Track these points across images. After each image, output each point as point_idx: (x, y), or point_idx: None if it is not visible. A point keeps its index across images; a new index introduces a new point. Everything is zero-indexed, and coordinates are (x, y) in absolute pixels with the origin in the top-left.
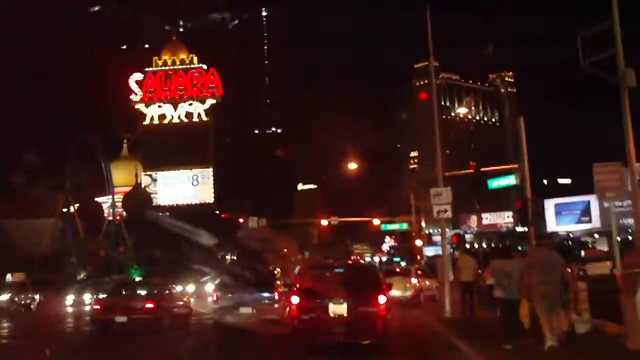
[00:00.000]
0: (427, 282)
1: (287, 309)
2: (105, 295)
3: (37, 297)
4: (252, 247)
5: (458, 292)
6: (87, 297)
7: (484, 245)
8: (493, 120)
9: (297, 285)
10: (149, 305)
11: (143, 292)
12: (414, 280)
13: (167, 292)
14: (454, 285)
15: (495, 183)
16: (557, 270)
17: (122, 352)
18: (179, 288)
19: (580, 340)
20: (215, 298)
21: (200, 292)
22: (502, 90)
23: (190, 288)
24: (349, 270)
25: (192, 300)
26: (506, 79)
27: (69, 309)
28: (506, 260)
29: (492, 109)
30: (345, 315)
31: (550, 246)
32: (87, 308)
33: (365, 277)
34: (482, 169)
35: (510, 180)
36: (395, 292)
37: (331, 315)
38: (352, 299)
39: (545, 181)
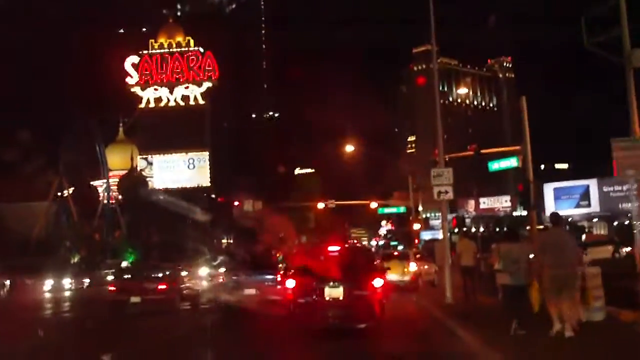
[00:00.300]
0: (426, 267)
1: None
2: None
3: (7, 282)
4: (248, 227)
5: (458, 276)
6: (67, 282)
7: (481, 229)
8: (491, 105)
9: (293, 268)
10: (162, 287)
11: (156, 274)
12: (412, 265)
13: (177, 274)
14: (454, 270)
15: (495, 165)
16: (571, 253)
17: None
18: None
19: (594, 328)
20: (222, 279)
21: (197, 273)
22: (500, 75)
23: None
24: (344, 253)
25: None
26: (505, 64)
27: (46, 295)
28: (513, 244)
29: (490, 94)
30: (341, 298)
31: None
32: (67, 294)
33: (361, 260)
34: (483, 151)
35: (512, 163)
36: (392, 277)
37: (327, 298)
38: (347, 282)
39: (542, 166)
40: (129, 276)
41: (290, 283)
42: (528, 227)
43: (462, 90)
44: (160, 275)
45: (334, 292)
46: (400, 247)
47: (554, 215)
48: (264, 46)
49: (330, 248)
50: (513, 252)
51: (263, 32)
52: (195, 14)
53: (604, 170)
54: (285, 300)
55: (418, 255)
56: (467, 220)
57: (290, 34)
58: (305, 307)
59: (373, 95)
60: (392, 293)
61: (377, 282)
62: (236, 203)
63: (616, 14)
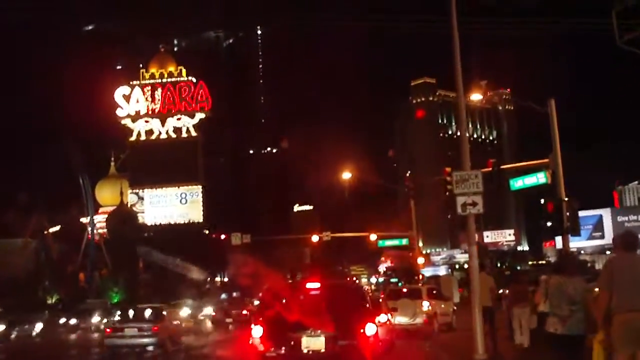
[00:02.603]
0: (442, 306)
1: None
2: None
3: None
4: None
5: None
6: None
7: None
8: (491, 138)
9: (261, 312)
10: (155, 329)
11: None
12: (425, 304)
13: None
14: (467, 310)
15: (519, 183)
16: None
17: None
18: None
19: None
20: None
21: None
22: (500, 107)
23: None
24: (328, 291)
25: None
26: (504, 96)
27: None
28: (567, 277)
29: (489, 127)
30: (322, 351)
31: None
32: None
33: (350, 300)
34: (503, 167)
35: (539, 179)
36: (401, 319)
37: (304, 351)
38: (331, 329)
39: (542, 200)
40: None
41: (257, 331)
42: (531, 262)
43: (477, 96)
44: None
45: (313, 342)
46: (400, 284)
47: (629, 234)
48: (261, 81)
49: (310, 285)
50: (567, 288)
51: (261, 67)
52: (193, 49)
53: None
54: (251, 353)
55: (434, 291)
56: (466, 256)
57: (288, 70)
58: None
59: (373, 129)
60: (401, 340)
61: (370, 329)
62: (223, 236)
63: None
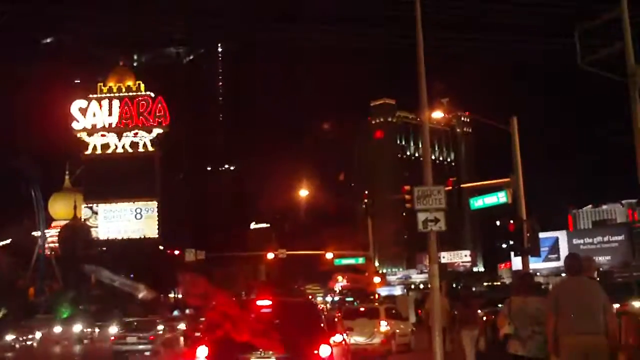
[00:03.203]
0: (401, 326)
1: None
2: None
3: None
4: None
5: (427, 337)
6: None
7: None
8: (449, 160)
9: (207, 331)
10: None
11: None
12: (383, 324)
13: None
14: (421, 329)
15: (479, 202)
16: (599, 312)
17: None
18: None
19: None
20: None
21: None
22: (459, 130)
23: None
24: (280, 309)
25: None
26: (462, 118)
27: None
28: (529, 297)
29: (447, 149)
30: None
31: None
32: None
33: (303, 318)
34: (463, 185)
35: (500, 198)
36: (359, 338)
37: None
38: (282, 350)
39: (497, 222)
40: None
41: (202, 352)
42: (487, 283)
43: (438, 114)
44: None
45: None
46: (355, 304)
47: (573, 258)
48: (221, 99)
49: (260, 303)
50: (529, 308)
51: (221, 84)
52: (153, 65)
53: (564, 224)
54: None
55: (394, 311)
56: (424, 277)
57: (247, 88)
58: None
59: (330, 149)
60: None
61: (324, 351)
62: (177, 252)
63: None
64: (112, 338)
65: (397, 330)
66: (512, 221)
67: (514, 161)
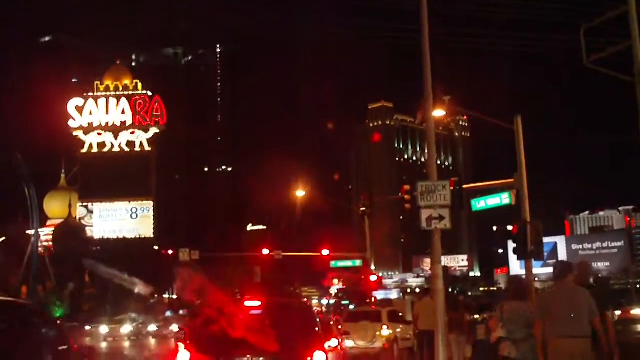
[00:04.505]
0: (405, 329)
1: None
2: None
3: None
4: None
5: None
6: None
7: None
8: (447, 164)
9: (189, 335)
10: None
11: None
12: (384, 329)
13: None
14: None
15: (481, 203)
16: (585, 316)
17: None
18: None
19: None
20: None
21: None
22: (457, 134)
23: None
24: (272, 311)
25: None
26: (461, 122)
27: None
28: (522, 302)
29: (446, 153)
30: None
31: (575, 281)
32: None
33: (297, 322)
34: (466, 186)
35: (503, 199)
36: (360, 342)
37: None
38: (272, 356)
39: (495, 227)
40: None
41: (184, 357)
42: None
43: (440, 112)
44: None
45: None
46: (351, 307)
47: (561, 264)
48: (219, 100)
49: (249, 304)
50: (524, 312)
51: (219, 85)
52: (150, 65)
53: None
54: None
55: (400, 314)
56: (421, 281)
57: (245, 89)
58: None
59: (328, 152)
60: None
61: (318, 358)
62: (170, 252)
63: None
64: None
65: (400, 335)
66: (515, 224)
67: (518, 161)
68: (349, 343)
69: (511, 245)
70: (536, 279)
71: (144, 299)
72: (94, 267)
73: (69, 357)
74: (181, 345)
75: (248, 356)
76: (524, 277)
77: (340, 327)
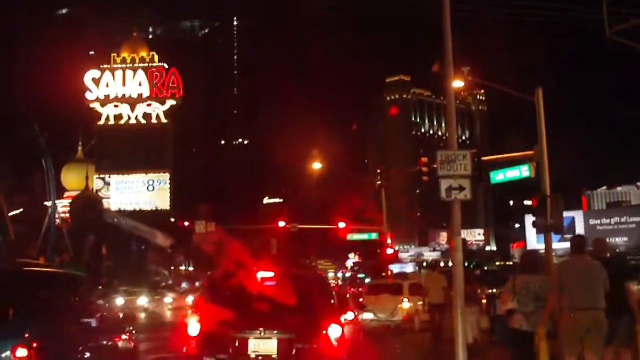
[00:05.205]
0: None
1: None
2: None
3: None
4: (205, 251)
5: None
6: None
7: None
8: (463, 138)
9: (200, 307)
10: None
11: None
12: (405, 302)
13: None
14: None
15: (499, 176)
16: (600, 289)
17: None
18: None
19: None
20: None
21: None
22: (473, 108)
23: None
24: (285, 282)
25: None
26: (478, 96)
27: None
28: (532, 275)
29: (462, 127)
30: (274, 356)
31: (592, 255)
32: None
33: (311, 294)
34: (484, 158)
35: (522, 171)
36: (380, 315)
37: (252, 356)
38: (286, 330)
39: (511, 202)
40: None
41: (193, 328)
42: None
43: (458, 83)
44: None
45: (263, 345)
46: (367, 280)
47: (577, 239)
48: (235, 72)
49: (261, 275)
50: (534, 285)
51: (235, 58)
52: (167, 37)
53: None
54: (186, 356)
55: (417, 288)
56: (436, 254)
57: (262, 62)
58: None
59: (345, 125)
60: (376, 336)
61: (334, 331)
62: (186, 223)
63: None
64: None
65: (421, 308)
66: (534, 197)
67: (539, 133)
68: (368, 315)
69: (529, 219)
70: (553, 253)
71: (162, 251)
72: (118, 218)
73: (121, 321)
74: (191, 317)
75: (260, 329)
76: (536, 250)
77: (361, 299)
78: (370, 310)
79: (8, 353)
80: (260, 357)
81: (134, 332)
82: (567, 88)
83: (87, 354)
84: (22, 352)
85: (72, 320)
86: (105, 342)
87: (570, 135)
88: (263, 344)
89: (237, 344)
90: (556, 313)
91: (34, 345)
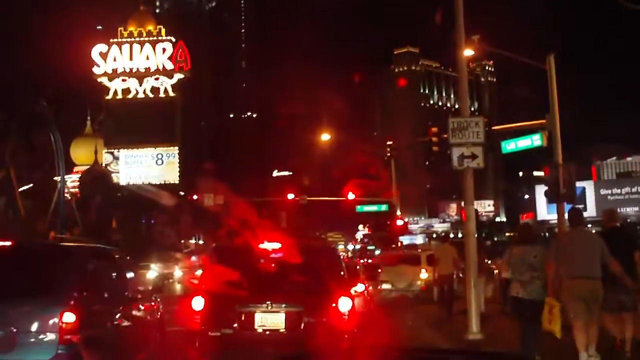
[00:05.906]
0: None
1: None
2: None
3: None
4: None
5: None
6: None
7: (460, 235)
8: (472, 109)
9: (204, 280)
10: None
11: None
12: (423, 272)
13: None
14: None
15: (511, 145)
16: (597, 258)
17: None
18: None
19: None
20: None
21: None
22: (482, 79)
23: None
24: (292, 253)
25: None
26: (487, 67)
27: None
28: (528, 246)
29: (471, 98)
30: (282, 330)
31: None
32: None
33: (320, 265)
34: (495, 127)
35: (534, 141)
36: (398, 285)
37: (258, 330)
38: (294, 303)
39: (520, 173)
40: None
41: (198, 303)
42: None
43: (469, 52)
44: None
45: (270, 319)
46: (377, 252)
47: (575, 211)
48: (243, 45)
49: (268, 246)
50: (529, 256)
51: (243, 31)
52: (174, 11)
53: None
54: (191, 331)
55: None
56: (446, 226)
57: (270, 35)
58: (221, 344)
59: (353, 97)
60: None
61: (344, 304)
62: (195, 197)
63: None
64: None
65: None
66: (547, 166)
67: (551, 102)
68: (386, 286)
69: (540, 189)
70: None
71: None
72: (115, 189)
73: (150, 292)
74: (196, 291)
75: (268, 302)
76: (530, 223)
77: (380, 270)
78: (388, 282)
79: (56, 319)
80: (267, 332)
81: (159, 301)
82: (579, 57)
83: (123, 320)
84: (69, 316)
85: (109, 290)
86: (136, 311)
87: (580, 105)
88: (270, 317)
89: (243, 318)
90: (555, 283)
91: (79, 310)
